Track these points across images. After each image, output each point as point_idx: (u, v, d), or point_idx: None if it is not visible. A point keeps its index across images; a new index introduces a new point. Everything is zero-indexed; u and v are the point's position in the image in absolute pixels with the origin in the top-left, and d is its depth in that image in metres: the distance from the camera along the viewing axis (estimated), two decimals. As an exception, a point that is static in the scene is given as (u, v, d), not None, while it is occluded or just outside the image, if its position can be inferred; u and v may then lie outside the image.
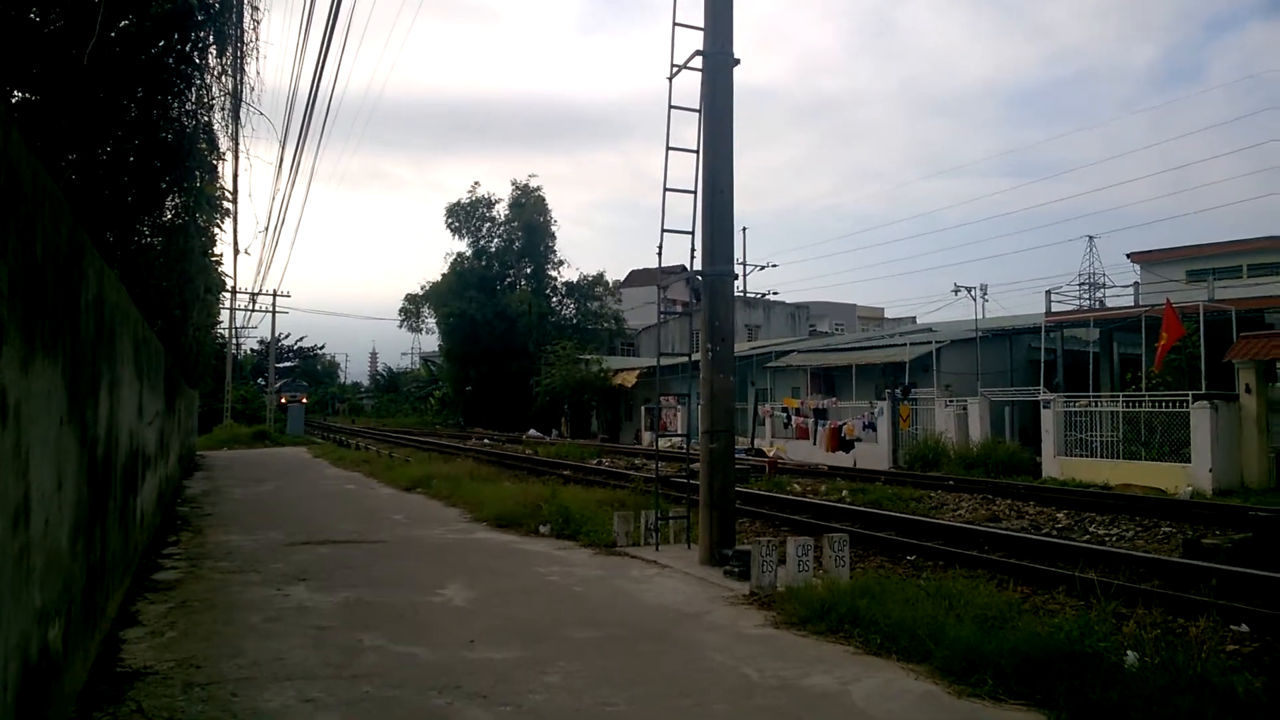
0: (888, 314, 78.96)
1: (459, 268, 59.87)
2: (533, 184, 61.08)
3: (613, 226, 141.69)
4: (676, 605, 7.86)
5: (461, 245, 61.45)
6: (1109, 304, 35.70)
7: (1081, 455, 22.89)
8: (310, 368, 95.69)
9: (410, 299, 64.24)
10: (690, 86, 10.49)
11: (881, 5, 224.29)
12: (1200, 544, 11.16)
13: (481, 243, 61.01)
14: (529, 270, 61.27)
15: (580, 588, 8.62)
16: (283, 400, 55.89)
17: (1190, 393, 20.91)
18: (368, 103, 69.70)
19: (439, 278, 60.99)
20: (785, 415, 32.45)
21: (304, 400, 60.66)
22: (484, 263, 60.40)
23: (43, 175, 3.65)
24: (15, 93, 4.62)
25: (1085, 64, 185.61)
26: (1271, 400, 20.95)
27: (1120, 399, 22.99)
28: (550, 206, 61.30)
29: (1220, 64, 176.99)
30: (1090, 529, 13.95)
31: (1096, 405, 23.21)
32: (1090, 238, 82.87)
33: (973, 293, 36.73)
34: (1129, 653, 5.66)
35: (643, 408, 41.62)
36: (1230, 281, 31.71)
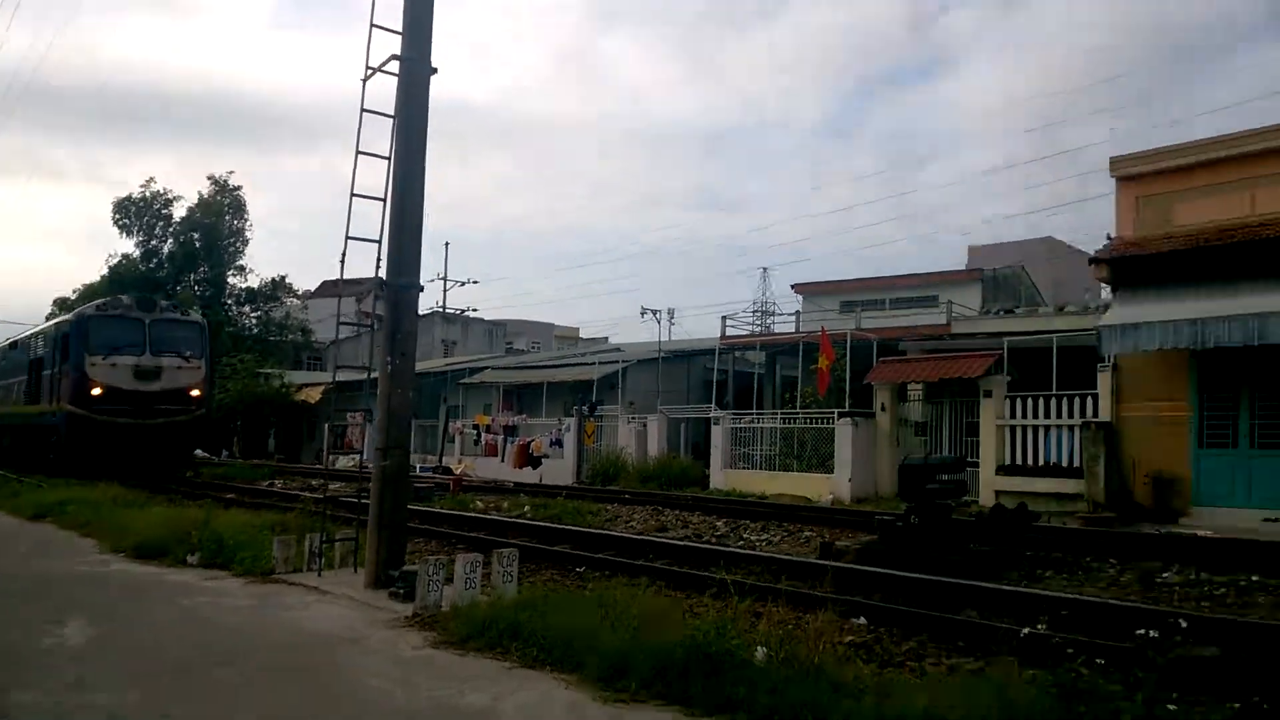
0: (583, 334, 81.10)
1: (119, 270, 53.77)
2: (233, 181, 56.10)
3: (302, 234, 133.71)
4: (333, 632, 7.49)
5: (129, 245, 55.31)
6: (776, 330, 38.99)
7: (744, 468, 24.80)
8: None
9: (59, 304, 56.82)
10: (388, 93, 10.14)
11: (584, 42, 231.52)
12: (833, 546, 12.41)
13: (154, 243, 55.10)
14: (206, 275, 56.29)
15: (227, 619, 7.98)
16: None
17: (836, 410, 23.35)
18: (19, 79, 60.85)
19: (98, 278, 54.49)
20: (476, 432, 32.23)
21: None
22: (153, 265, 54.62)
23: None
24: None
25: (765, 114, 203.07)
26: (902, 418, 23.86)
27: (779, 416, 25.20)
28: (248, 209, 56.73)
29: (877, 119, 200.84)
30: (745, 535, 15.09)
31: (759, 422, 25.27)
32: (764, 269, 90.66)
33: (658, 315, 38.83)
34: (759, 649, 6.09)
35: (326, 425, 39.61)
36: (875, 313, 35.50)
